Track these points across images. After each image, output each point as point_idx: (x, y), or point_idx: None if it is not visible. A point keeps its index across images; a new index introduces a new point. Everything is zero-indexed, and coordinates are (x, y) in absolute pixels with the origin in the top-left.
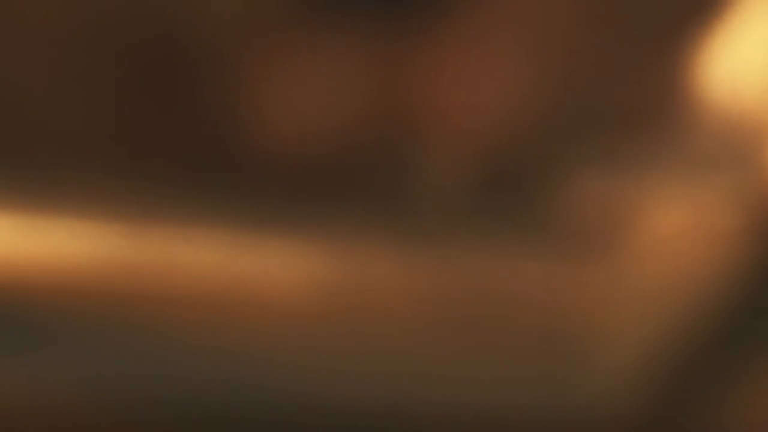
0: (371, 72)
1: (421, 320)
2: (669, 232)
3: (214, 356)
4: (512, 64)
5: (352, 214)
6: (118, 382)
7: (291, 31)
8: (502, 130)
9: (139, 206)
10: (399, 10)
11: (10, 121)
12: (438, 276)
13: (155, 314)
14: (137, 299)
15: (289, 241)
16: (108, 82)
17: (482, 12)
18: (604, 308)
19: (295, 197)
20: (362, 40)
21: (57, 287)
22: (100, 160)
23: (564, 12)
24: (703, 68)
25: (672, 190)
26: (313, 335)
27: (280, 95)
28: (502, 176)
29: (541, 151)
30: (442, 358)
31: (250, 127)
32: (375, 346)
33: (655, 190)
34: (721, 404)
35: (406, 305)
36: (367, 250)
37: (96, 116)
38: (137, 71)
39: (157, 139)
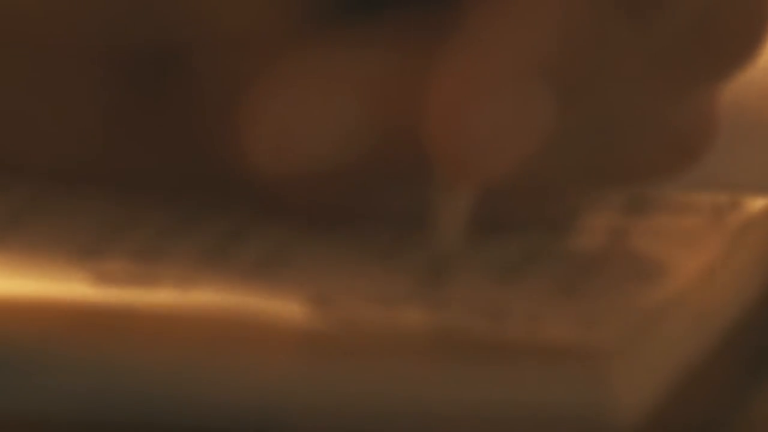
0: (377, 102)
1: (431, 346)
2: (686, 260)
3: (204, 387)
4: (528, 96)
5: (358, 243)
6: (104, 414)
7: (292, 50)
8: (517, 160)
9: (130, 235)
10: (411, 36)
11: None
12: (451, 302)
13: (143, 349)
14: (129, 333)
15: (288, 271)
16: (95, 107)
17: (497, 37)
18: (620, 334)
19: (297, 227)
20: (369, 65)
21: (43, 319)
22: (89, 184)
23: (585, 38)
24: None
25: (694, 218)
26: (316, 364)
27: (280, 125)
28: (519, 204)
29: (562, 182)
30: (456, 382)
31: (249, 154)
32: (382, 374)
33: (677, 219)
34: (743, 422)
35: (416, 330)
36: (376, 273)
37: (83, 142)
38: (129, 91)
39: (147, 167)
